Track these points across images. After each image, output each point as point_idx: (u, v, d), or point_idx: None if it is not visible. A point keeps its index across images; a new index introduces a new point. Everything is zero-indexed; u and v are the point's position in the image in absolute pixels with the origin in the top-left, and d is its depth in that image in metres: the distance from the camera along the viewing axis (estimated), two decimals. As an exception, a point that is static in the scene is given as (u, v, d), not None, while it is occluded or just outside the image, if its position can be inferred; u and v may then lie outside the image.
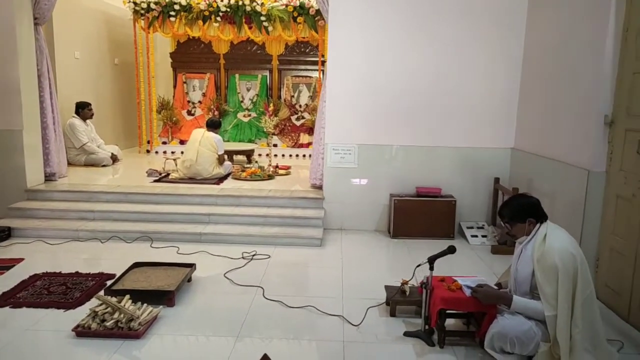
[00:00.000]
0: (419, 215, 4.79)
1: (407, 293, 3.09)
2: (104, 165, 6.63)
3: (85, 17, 7.37)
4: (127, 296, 3.03)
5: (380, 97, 4.91)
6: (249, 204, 5.06)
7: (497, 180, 4.84)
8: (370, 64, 4.87)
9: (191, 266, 3.65)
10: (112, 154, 6.83)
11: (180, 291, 3.36)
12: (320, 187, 5.34)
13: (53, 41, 6.40)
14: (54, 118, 5.44)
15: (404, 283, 3.13)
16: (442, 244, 4.64)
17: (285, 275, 3.86)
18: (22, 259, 3.99)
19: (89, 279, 3.61)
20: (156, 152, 8.09)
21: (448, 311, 2.73)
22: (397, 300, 3.07)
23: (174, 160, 6.21)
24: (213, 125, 6.12)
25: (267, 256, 4.22)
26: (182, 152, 6.23)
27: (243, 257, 4.17)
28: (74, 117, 6.60)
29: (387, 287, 3.26)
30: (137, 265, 3.65)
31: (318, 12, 7.45)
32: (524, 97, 4.76)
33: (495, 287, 2.75)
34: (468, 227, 4.88)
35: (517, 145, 4.87)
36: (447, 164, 4.99)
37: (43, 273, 3.68)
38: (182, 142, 8.07)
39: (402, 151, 5.00)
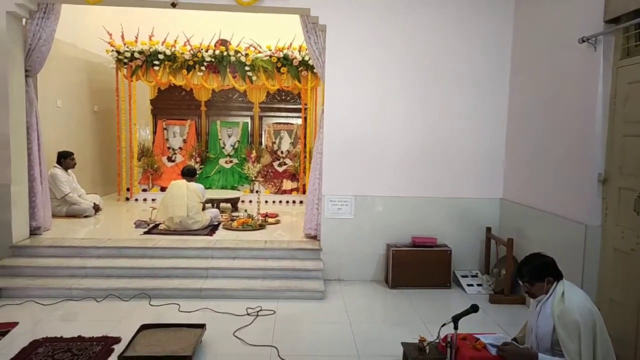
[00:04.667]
0: (416, 265, 4.90)
1: (427, 351, 3.14)
2: (86, 216, 6.43)
3: (67, 66, 7.31)
4: (146, 364, 2.94)
5: (375, 149, 5.09)
6: (247, 256, 5.03)
7: (489, 229, 5.05)
8: (365, 118, 5.06)
9: (202, 327, 3.58)
10: (94, 203, 6.65)
11: (194, 355, 3.28)
12: (314, 237, 5.39)
13: (37, 90, 6.28)
14: (40, 170, 5.29)
15: (422, 340, 3.18)
16: (440, 293, 4.83)
17: (296, 332, 3.84)
18: (16, 323, 3.78)
19: (94, 343, 3.47)
20: (136, 200, 7.93)
21: (474, 370, 2.79)
22: (419, 359, 3.11)
23: (151, 209, 6.10)
24: (190, 174, 6.02)
25: (272, 312, 4.19)
26: (159, 205, 6.06)
27: (248, 314, 4.12)
28: (55, 167, 6.42)
29: (404, 345, 3.29)
30: (145, 327, 3.54)
31: (301, 62, 7.71)
32: (510, 151, 5.06)
33: (519, 345, 2.85)
34: (463, 276, 5.02)
35: (505, 195, 5.13)
36: (440, 214, 5.18)
37: (43, 339, 3.51)
38: (162, 189, 7.95)
39: (397, 201, 5.15)
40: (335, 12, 4.94)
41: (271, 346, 3.53)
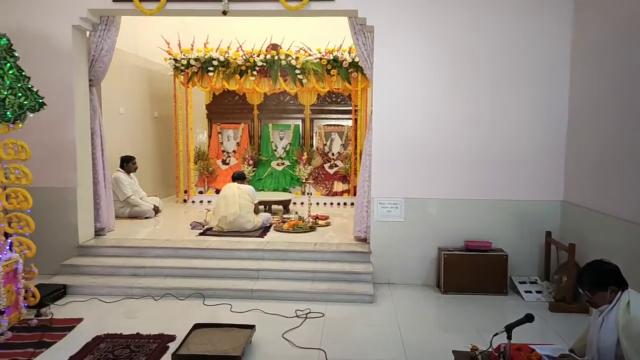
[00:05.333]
0: (469, 270, 4.75)
1: (479, 360, 3.02)
2: (146, 217, 6.75)
3: (129, 74, 7.71)
4: (197, 363, 3.03)
5: (426, 150, 4.98)
6: (297, 259, 5.07)
7: (548, 234, 4.80)
8: (415, 119, 4.96)
9: (251, 327, 3.65)
10: (154, 205, 6.96)
11: (244, 355, 3.34)
12: (364, 240, 5.35)
13: (101, 98, 6.67)
14: (104, 174, 5.60)
15: (474, 349, 3.07)
16: (495, 300, 4.64)
17: (344, 336, 3.82)
18: (81, 319, 4.02)
19: (151, 340, 3.62)
20: (192, 202, 8.21)
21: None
22: (470, 367, 3.00)
23: (206, 211, 6.32)
24: (240, 178, 6.34)
25: (320, 314, 4.20)
26: (213, 207, 6.26)
27: (297, 316, 4.15)
28: (118, 170, 6.79)
29: (455, 353, 3.19)
30: (198, 326, 3.66)
31: (351, 64, 7.70)
32: (573, 149, 4.77)
33: (578, 357, 2.69)
34: (520, 282, 4.81)
35: (567, 197, 4.85)
36: (495, 217, 4.98)
37: (105, 335, 3.71)
38: (217, 191, 8.18)
39: (449, 204, 5.01)
40: (383, 13, 4.88)
41: (319, 349, 3.53)
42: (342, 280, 4.76)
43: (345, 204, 8.12)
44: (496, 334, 2.71)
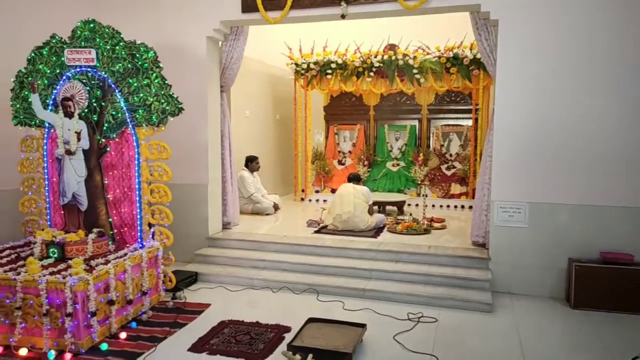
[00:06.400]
0: (606, 284, 4.27)
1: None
2: (267, 214, 7.17)
3: (254, 79, 8.26)
4: (310, 355, 3.15)
5: (554, 150, 4.58)
6: (409, 260, 5.00)
7: None
8: (542, 118, 4.59)
9: (363, 326, 3.68)
10: (274, 203, 7.37)
11: (355, 353, 3.39)
12: (482, 245, 5.10)
13: (230, 102, 7.23)
14: (231, 173, 6.07)
15: (609, 372, 2.76)
16: (635, 320, 4.10)
17: (458, 344, 3.68)
18: (209, 305, 4.42)
19: (269, 330, 3.85)
20: (309, 200, 8.52)
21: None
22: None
23: (322, 210, 6.50)
24: (356, 179, 6.51)
25: (433, 319, 4.09)
26: (328, 206, 6.43)
27: (409, 319, 4.09)
28: (243, 169, 7.30)
29: (585, 374, 2.90)
30: (311, 320, 3.80)
31: (472, 61, 7.37)
32: None
33: None
34: (670, 303, 4.20)
35: None
36: (638, 227, 4.40)
37: (229, 321, 4.03)
38: (333, 191, 8.37)
39: (582, 211, 4.54)
40: (508, 5, 4.59)
41: (431, 355, 3.45)
42: (457, 286, 4.59)
43: (462, 206, 7.81)
44: (635, 358, 2.41)
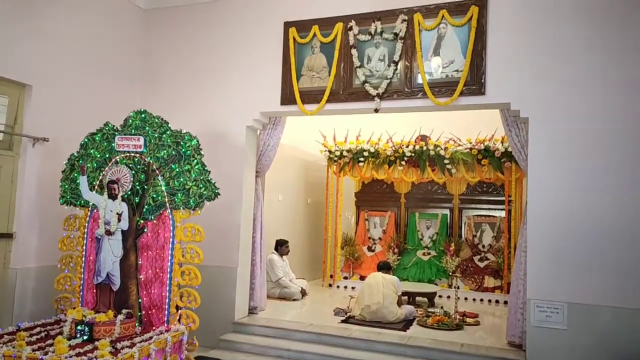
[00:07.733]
0: (658, 399, 3.91)
1: None
2: (294, 299, 7.06)
3: (288, 165, 8.54)
4: None
5: (595, 246, 4.43)
6: (441, 359, 4.75)
7: None
8: (577, 215, 4.51)
9: None
10: (302, 288, 7.28)
11: None
12: (519, 346, 4.82)
13: (264, 187, 7.45)
14: (260, 256, 6.10)
15: None
16: None
17: None
18: (230, 396, 4.26)
19: None
20: (337, 287, 8.38)
21: None
22: None
23: (350, 298, 6.36)
24: (386, 268, 6.42)
25: None
26: (356, 295, 6.28)
27: None
28: (273, 253, 7.34)
29: None
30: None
31: (504, 154, 7.44)
32: None
33: None
34: None
35: None
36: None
37: (249, 415, 3.86)
38: (361, 278, 8.21)
39: (629, 314, 4.29)
40: (538, 104, 4.72)
41: None
42: (492, 391, 4.30)
43: (497, 301, 7.49)
44: None
